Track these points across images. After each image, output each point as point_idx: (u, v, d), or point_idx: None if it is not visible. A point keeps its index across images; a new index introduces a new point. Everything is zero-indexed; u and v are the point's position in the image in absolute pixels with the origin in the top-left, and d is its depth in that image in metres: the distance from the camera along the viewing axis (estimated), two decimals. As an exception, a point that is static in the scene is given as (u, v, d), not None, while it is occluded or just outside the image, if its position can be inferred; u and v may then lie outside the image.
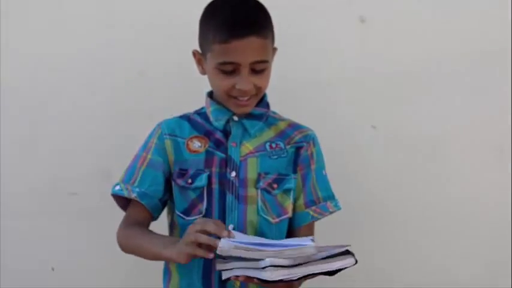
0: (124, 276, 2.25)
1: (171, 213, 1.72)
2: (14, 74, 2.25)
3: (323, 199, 1.71)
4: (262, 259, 1.35)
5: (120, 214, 2.21)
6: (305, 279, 1.42)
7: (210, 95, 1.72)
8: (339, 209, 1.74)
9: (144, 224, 1.67)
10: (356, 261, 1.40)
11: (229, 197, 1.62)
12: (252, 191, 1.64)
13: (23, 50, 2.25)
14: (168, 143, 1.69)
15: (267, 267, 1.34)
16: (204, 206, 1.63)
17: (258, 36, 1.55)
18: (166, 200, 1.71)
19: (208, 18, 1.61)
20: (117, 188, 1.69)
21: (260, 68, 1.58)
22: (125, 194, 1.67)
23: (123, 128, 2.23)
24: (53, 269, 2.27)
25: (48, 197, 2.25)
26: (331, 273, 1.40)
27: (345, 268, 1.40)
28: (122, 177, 1.71)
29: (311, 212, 1.71)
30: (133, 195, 1.66)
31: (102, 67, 2.24)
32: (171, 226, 1.73)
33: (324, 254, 1.38)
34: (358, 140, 2.25)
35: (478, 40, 2.22)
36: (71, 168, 2.25)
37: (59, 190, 2.25)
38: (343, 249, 1.39)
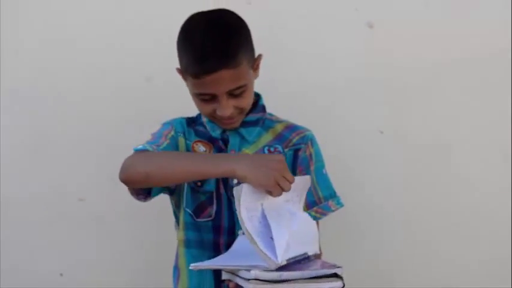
0: (132, 282, 2.25)
1: (178, 207, 1.71)
2: (20, 81, 2.26)
3: (324, 199, 1.71)
4: (249, 270, 1.35)
5: (127, 220, 2.22)
6: None
7: None
8: (342, 206, 1.73)
9: None
10: (343, 286, 1.39)
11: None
12: None
13: (26, 54, 2.25)
14: (181, 140, 1.69)
15: (251, 279, 1.33)
16: (214, 209, 1.63)
17: (228, 68, 1.54)
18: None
19: (181, 45, 1.62)
20: (141, 146, 1.61)
21: (238, 92, 1.59)
22: (150, 149, 1.58)
23: (131, 133, 2.23)
24: (61, 275, 2.27)
25: (56, 203, 2.26)
26: None
27: None
28: (146, 141, 1.64)
29: (313, 213, 1.70)
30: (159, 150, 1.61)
31: (110, 73, 2.25)
32: (177, 221, 1.73)
33: (313, 273, 1.37)
34: (365, 144, 2.25)
35: (485, 44, 2.22)
36: (79, 175, 2.26)
37: (67, 196, 2.26)
38: (331, 272, 1.38)
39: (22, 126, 2.26)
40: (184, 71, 1.59)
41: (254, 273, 1.34)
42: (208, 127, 1.70)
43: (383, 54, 2.24)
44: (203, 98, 1.59)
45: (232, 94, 1.58)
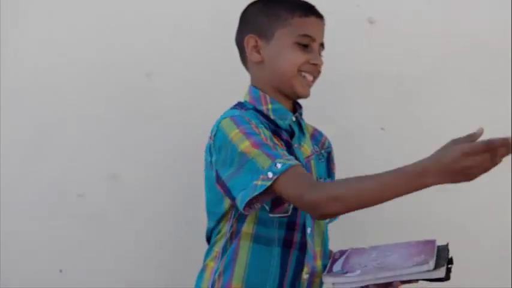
0: (132, 278, 2.24)
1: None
2: (20, 77, 2.24)
3: None
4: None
5: (127, 216, 2.22)
6: None
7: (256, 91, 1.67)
8: None
9: None
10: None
11: None
12: None
13: (30, 53, 2.24)
14: (265, 131, 1.58)
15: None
16: (291, 205, 1.57)
17: (324, 22, 1.70)
18: None
19: (277, 1, 1.66)
20: (279, 165, 1.45)
21: (321, 53, 1.69)
22: (293, 163, 1.47)
23: (130, 129, 2.23)
24: (61, 271, 2.26)
25: (55, 199, 2.24)
26: None
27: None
28: (269, 159, 1.47)
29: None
30: (299, 162, 1.53)
31: (109, 69, 2.23)
32: (237, 216, 1.61)
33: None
34: (366, 142, 2.24)
35: (486, 40, 2.22)
36: (78, 170, 2.24)
37: (66, 192, 2.24)
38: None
39: (21, 122, 2.25)
40: (286, 19, 1.62)
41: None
42: (273, 116, 1.63)
43: (384, 50, 2.23)
44: (304, 41, 1.62)
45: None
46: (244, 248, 1.58)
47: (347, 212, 1.43)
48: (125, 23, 2.23)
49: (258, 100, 1.65)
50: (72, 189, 2.24)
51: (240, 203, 1.47)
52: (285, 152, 1.51)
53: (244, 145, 1.48)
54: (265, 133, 1.54)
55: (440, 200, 2.23)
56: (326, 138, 1.77)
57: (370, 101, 2.23)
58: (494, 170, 2.14)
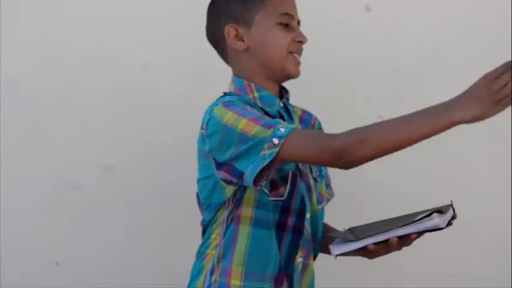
0: (128, 270, 2.24)
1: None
2: (15, 67, 2.23)
3: (330, 181, 1.72)
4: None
5: (123, 208, 2.21)
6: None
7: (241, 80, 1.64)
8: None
9: None
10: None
11: (302, 185, 1.57)
12: (311, 180, 1.61)
13: (24, 43, 2.23)
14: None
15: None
16: (287, 189, 1.55)
17: None
18: None
19: None
20: (283, 130, 1.41)
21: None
22: (294, 126, 1.45)
23: (126, 121, 2.22)
24: (57, 264, 2.26)
25: (52, 192, 2.24)
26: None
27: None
28: (269, 128, 1.43)
29: (329, 196, 1.70)
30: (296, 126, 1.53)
31: (104, 60, 2.23)
32: (235, 202, 1.58)
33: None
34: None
35: (485, 26, 2.21)
36: (75, 163, 2.24)
37: (62, 184, 2.24)
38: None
39: (17, 114, 2.24)
40: (262, 1, 1.58)
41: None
42: (261, 103, 1.60)
43: (381, 37, 2.23)
44: (284, 20, 1.58)
45: None
46: (244, 231, 1.55)
47: (376, 156, 1.38)
48: (121, 14, 2.23)
49: (243, 89, 1.62)
50: (69, 181, 2.24)
51: (250, 177, 1.42)
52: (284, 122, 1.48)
53: (242, 124, 1.45)
54: (259, 111, 1.53)
55: (440, 199, 2.23)
56: (316, 119, 1.73)
57: (368, 88, 2.23)
58: (499, 161, 2.16)
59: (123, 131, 2.22)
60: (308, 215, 1.57)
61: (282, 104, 1.63)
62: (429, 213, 1.38)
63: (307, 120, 1.71)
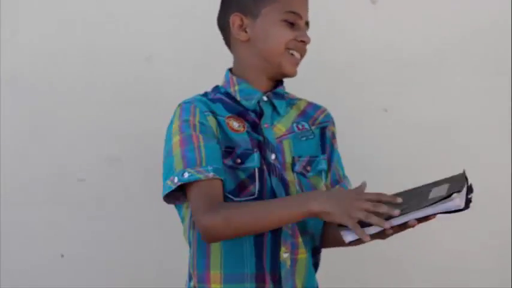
0: (132, 262, 2.25)
1: None
2: (18, 61, 2.23)
3: (343, 177, 1.69)
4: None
5: (127, 200, 2.21)
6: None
7: (231, 73, 1.66)
8: (351, 185, 1.71)
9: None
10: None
11: (274, 180, 1.56)
12: (290, 175, 1.59)
13: (26, 36, 2.23)
14: (211, 119, 1.57)
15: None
16: (256, 187, 1.54)
17: (308, 1, 1.64)
18: None
19: None
20: (187, 175, 1.49)
21: (307, 29, 1.64)
22: (202, 177, 1.48)
23: (131, 113, 2.22)
24: (62, 256, 2.26)
25: (56, 184, 2.24)
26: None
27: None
28: (181, 164, 1.50)
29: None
30: (210, 175, 1.50)
31: (109, 53, 2.23)
32: None
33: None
34: (369, 122, 2.23)
35: (489, 24, 2.21)
36: (79, 155, 2.24)
37: (67, 177, 2.24)
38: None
39: (21, 107, 2.24)
40: None
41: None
42: (239, 97, 1.61)
43: (386, 31, 2.23)
44: (290, 18, 1.57)
45: None
46: None
47: (238, 235, 1.47)
48: (125, 6, 2.22)
49: (228, 83, 1.64)
50: (73, 173, 2.24)
51: (162, 194, 1.53)
52: (214, 157, 1.51)
53: (174, 140, 1.53)
54: (204, 127, 1.54)
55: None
56: (322, 113, 1.70)
57: (373, 82, 2.22)
58: (504, 154, 2.15)
59: (128, 124, 2.22)
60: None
61: (266, 98, 1.62)
62: (449, 194, 1.35)
63: (310, 114, 1.68)
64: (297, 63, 1.61)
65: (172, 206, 1.62)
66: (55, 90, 2.24)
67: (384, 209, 1.34)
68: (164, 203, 1.60)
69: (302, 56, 1.62)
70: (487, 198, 2.21)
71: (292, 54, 1.59)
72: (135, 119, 2.21)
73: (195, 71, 2.17)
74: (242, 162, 1.55)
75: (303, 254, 1.56)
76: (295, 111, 1.67)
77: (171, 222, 1.69)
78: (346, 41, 2.21)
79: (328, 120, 1.69)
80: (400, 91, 2.23)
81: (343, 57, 2.22)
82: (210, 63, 2.18)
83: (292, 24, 1.58)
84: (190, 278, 1.59)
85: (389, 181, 2.23)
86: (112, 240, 2.23)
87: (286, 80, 1.69)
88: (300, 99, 1.70)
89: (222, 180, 1.50)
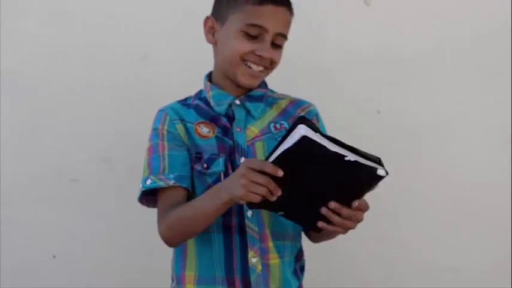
0: (125, 263, 2.25)
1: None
2: (14, 60, 2.23)
3: None
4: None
5: (120, 201, 2.21)
6: None
7: (209, 78, 1.69)
8: None
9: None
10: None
11: None
12: None
13: (23, 35, 2.23)
14: (180, 127, 1.62)
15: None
16: None
17: (288, 9, 1.59)
18: None
19: None
20: (149, 181, 1.57)
21: (279, 43, 1.59)
22: (162, 184, 1.56)
23: (125, 113, 2.22)
24: (54, 257, 2.25)
25: (49, 184, 2.24)
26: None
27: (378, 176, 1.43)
28: (147, 171, 1.60)
29: None
30: (171, 182, 1.57)
31: (104, 52, 2.23)
32: None
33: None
34: (362, 124, 2.24)
35: (485, 24, 2.21)
36: (72, 155, 2.24)
37: (60, 177, 2.24)
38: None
39: (15, 107, 2.24)
40: (240, 4, 1.56)
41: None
42: (212, 102, 1.64)
43: (380, 32, 2.23)
44: (251, 32, 1.55)
45: (273, 43, 1.58)
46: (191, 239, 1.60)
47: (187, 238, 1.54)
48: (120, 6, 2.23)
49: (205, 88, 1.68)
50: (66, 173, 2.24)
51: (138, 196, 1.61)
52: (177, 165, 1.57)
53: (146, 147, 1.63)
54: (171, 135, 1.60)
55: (443, 186, 2.24)
56: (304, 110, 1.69)
57: (366, 83, 2.23)
58: (498, 155, 2.16)
59: (121, 124, 2.22)
60: (249, 213, 1.56)
61: (238, 102, 1.63)
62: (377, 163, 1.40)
63: (290, 112, 1.69)
64: (253, 75, 1.60)
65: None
66: (50, 91, 2.24)
67: (262, 180, 1.34)
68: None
69: (267, 68, 1.61)
70: (487, 199, 2.23)
71: (249, 66, 1.59)
72: (129, 119, 2.21)
73: (190, 71, 2.16)
74: (208, 167, 1.59)
75: (275, 260, 1.57)
76: (274, 111, 1.68)
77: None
78: (339, 42, 2.22)
79: (310, 117, 1.69)
80: (393, 92, 2.23)
81: (336, 59, 2.22)
82: (206, 63, 2.18)
83: (253, 37, 1.56)
84: (172, 279, 1.64)
85: (383, 184, 2.24)
86: (105, 240, 2.23)
87: (276, 81, 1.70)
88: (283, 98, 1.71)
89: (184, 187, 1.56)
